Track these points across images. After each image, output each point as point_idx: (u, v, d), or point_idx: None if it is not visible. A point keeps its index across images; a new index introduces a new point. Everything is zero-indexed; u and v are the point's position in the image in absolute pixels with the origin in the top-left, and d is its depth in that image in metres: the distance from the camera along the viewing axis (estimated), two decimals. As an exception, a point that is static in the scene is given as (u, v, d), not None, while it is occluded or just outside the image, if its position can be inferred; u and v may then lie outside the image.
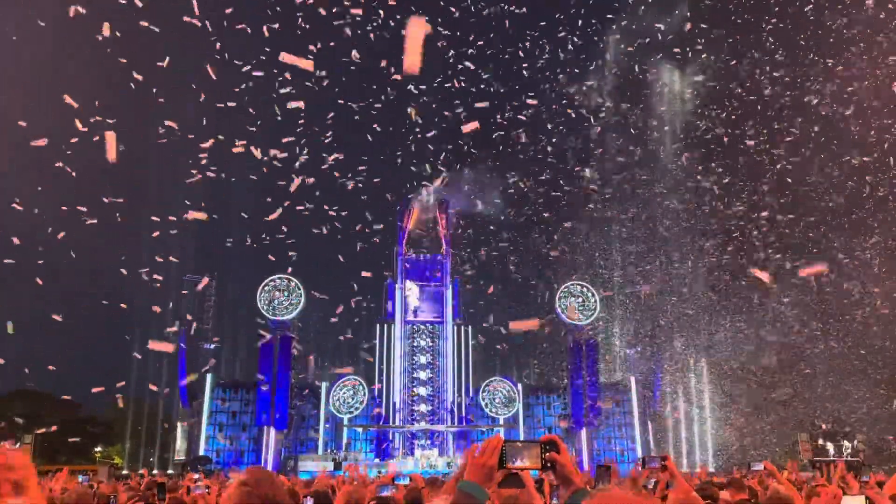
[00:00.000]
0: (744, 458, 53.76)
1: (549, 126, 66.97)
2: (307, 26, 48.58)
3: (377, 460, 55.15)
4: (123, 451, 72.28)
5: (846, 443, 52.75)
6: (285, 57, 20.77)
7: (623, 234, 65.95)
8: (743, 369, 61.30)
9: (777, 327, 59.65)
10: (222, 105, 45.63)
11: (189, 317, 56.57)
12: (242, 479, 3.32)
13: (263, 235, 52.34)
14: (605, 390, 60.83)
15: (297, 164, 45.03)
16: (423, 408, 60.99)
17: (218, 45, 46.59)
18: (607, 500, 2.10)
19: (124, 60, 43.94)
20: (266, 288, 58.54)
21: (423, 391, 61.57)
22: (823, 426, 56.28)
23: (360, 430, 60.54)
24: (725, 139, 61.12)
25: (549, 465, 2.60)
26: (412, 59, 11.53)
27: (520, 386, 62.88)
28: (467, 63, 56.20)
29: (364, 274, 53.93)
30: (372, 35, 48.95)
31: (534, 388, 65.04)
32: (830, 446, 51.72)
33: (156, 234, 43.43)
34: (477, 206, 64.96)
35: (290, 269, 58.39)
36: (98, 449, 74.06)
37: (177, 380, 59.54)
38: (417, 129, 56.69)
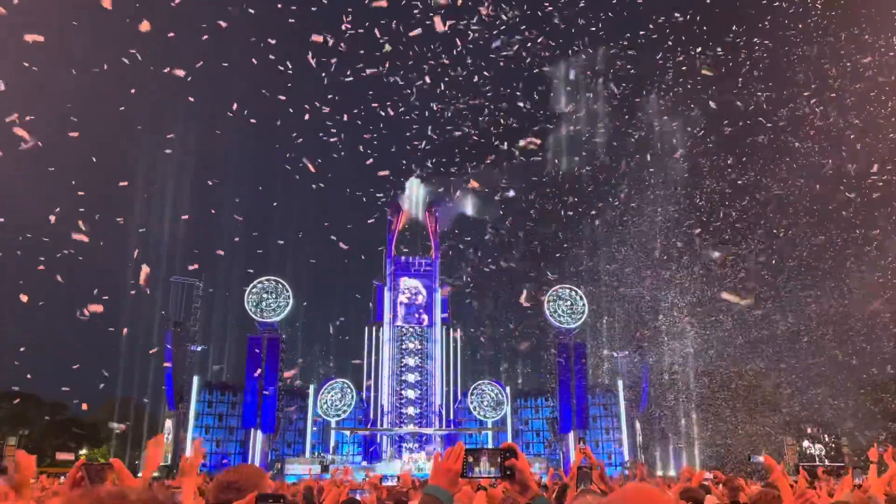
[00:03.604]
0: (734, 460, 54.09)
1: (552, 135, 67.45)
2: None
3: (364, 463, 55.04)
4: (108, 454, 71.63)
5: (828, 447, 53.16)
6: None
7: (614, 238, 66.38)
8: (730, 373, 61.64)
9: (763, 333, 60.10)
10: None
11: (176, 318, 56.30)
12: (229, 479, 3.37)
13: (254, 234, 52.11)
14: (592, 393, 61.13)
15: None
16: (411, 410, 60.90)
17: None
18: (637, 494, 2.13)
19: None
20: (254, 290, 58.29)
21: (411, 394, 61.49)
22: (809, 430, 56.71)
23: (347, 432, 60.39)
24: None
25: (508, 472, 2.67)
26: None
27: (508, 389, 62.94)
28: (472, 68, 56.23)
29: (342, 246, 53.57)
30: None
31: (522, 391, 65.13)
32: (816, 449, 52.13)
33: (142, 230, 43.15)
34: (467, 208, 65.09)
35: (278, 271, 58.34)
36: (83, 452, 73.36)
37: (163, 381, 59.04)
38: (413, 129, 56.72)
